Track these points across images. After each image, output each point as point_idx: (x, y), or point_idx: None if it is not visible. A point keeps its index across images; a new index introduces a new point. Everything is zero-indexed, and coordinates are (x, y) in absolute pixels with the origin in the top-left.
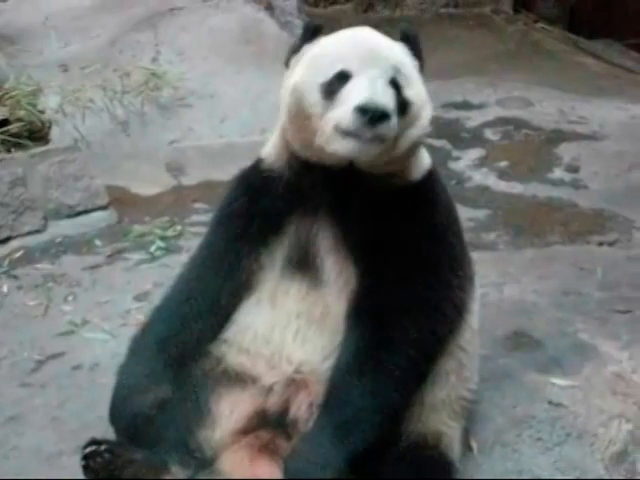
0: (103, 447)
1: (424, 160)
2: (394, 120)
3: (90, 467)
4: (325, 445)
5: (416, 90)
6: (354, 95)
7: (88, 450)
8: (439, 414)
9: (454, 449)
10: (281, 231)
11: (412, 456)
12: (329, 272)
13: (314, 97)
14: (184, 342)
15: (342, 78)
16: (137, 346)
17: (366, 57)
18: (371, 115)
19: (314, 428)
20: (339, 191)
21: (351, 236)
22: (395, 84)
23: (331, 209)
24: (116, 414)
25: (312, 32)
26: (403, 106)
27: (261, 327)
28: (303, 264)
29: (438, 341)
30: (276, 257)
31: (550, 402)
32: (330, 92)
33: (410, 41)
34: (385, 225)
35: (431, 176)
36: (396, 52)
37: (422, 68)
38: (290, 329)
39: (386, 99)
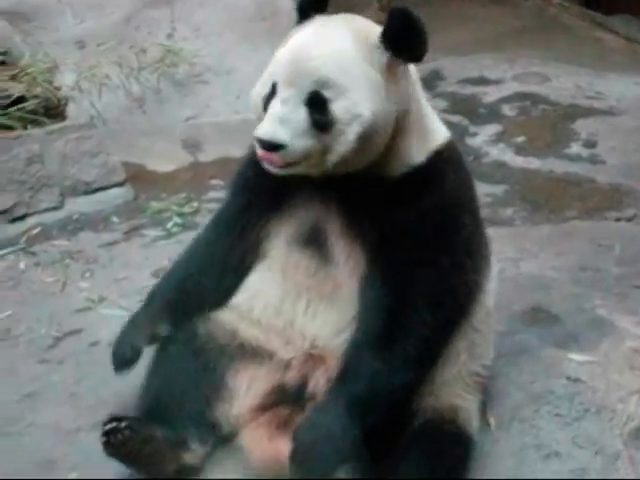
0: (124, 423)
1: (429, 141)
2: (295, 146)
3: (110, 443)
4: (337, 417)
5: (346, 103)
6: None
7: (108, 426)
8: (452, 388)
9: (472, 423)
10: (290, 205)
11: (429, 432)
12: (339, 255)
13: (259, 110)
14: (190, 293)
15: (273, 93)
16: (146, 299)
17: (291, 71)
18: (264, 145)
19: (327, 400)
20: (335, 181)
21: (357, 223)
22: (318, 100)
23: (336, 195)
24: (114, 348)
25: (302, 13)
26: (324, 123)
27: (272, 297)
28: (313, 242)
29: (451, 322)
30: (285, 230)
31: (568, 377)
32: (266, 109)
33: (398, 27)
34: (389, 211)
35: (437, 157)
36: (333, 59)
37: (412, 54)
38: (301, 302)
39: (281, 131)
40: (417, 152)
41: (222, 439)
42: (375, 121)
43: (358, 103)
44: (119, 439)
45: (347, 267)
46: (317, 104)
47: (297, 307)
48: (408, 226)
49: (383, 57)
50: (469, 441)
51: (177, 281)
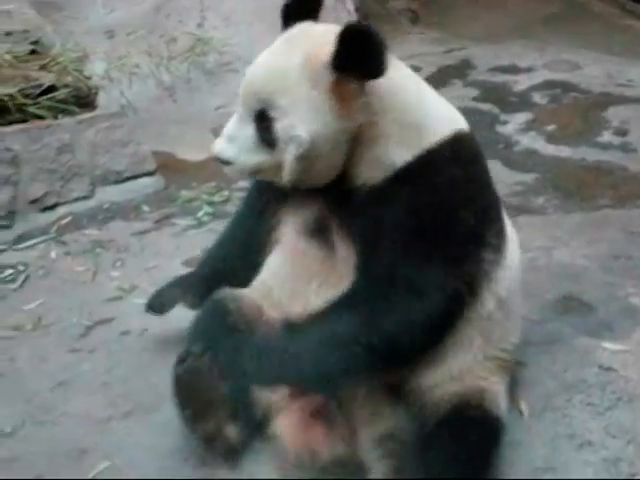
0: (202, 365)
1: (420, 140)
2: (241, 163)
3: (180, 371)
4: (293, 341)
5: (286, 124)
6: None
7: (189, 361)
8: (472, 372)
9: (499, 405)
10: (296, 197)
11: (456, 420)
12: (340, 250)
13: None
14: (220, 270)
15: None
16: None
17: (243, 89)
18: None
19: (295, 324)
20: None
21: (351, 222)
22: (263, 118)
23: (331, 196)
24: (151, 296)
25: (285, 21)
26: (270, 141)
27: (287, 280)
28: (319, 233)
29: (443, 312)
30: (293, 219)
31: (601, 366)
32: None
33: (347, 46)
34: (377, 212)
35: (429, 156)
36: (277, 80)
37: (365, 73)
38: (311, 287)
39: (229, 148)
40: (400, 155)
41: (257, 427)
42: (314, 142)
43: (296, 125)
44: (189, 374)
45: (348, 262)
46: (263, 122)
47: (308, 291)
48: (396, 225)
49: (330, 77)
50: (497, 423)
51: (210, 259)
